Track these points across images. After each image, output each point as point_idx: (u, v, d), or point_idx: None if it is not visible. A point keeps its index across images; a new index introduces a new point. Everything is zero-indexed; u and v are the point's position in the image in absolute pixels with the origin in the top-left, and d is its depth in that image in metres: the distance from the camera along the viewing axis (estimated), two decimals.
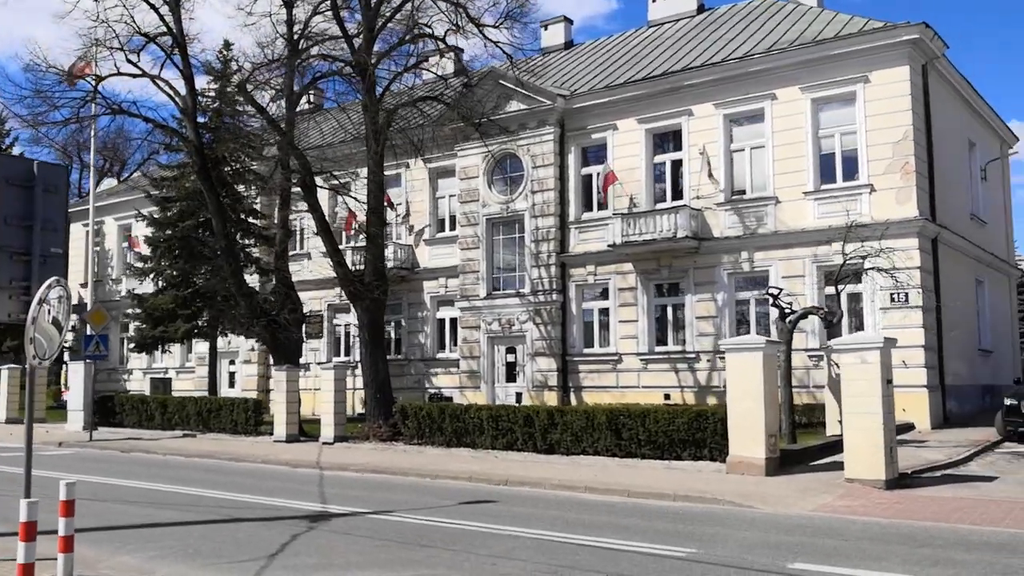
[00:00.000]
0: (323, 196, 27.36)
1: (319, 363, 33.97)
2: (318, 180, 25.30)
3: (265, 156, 30.96)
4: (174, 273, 30.22)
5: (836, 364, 20.31)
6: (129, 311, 31.19)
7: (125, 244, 43.66)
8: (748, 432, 16.56)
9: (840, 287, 20.18)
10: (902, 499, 14.08)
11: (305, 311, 28.10)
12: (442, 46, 25.05)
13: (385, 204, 31.44)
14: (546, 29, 37.97)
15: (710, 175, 26.72)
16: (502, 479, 16.46)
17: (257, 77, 24.09)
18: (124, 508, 13.58)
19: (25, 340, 7.71)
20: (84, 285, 47.87)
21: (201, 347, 38.20)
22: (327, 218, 26.02)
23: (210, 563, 9.70)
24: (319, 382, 30.64)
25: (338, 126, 31.83)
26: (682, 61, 28.78)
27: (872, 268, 20.19)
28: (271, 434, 25.01)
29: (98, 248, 47.60)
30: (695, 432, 17.74)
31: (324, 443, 23.18)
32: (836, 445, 19.53)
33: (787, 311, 19.86)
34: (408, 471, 17.99)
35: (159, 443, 24.55)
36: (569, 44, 37.53)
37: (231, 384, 38.81)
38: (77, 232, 48.88)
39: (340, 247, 35.28)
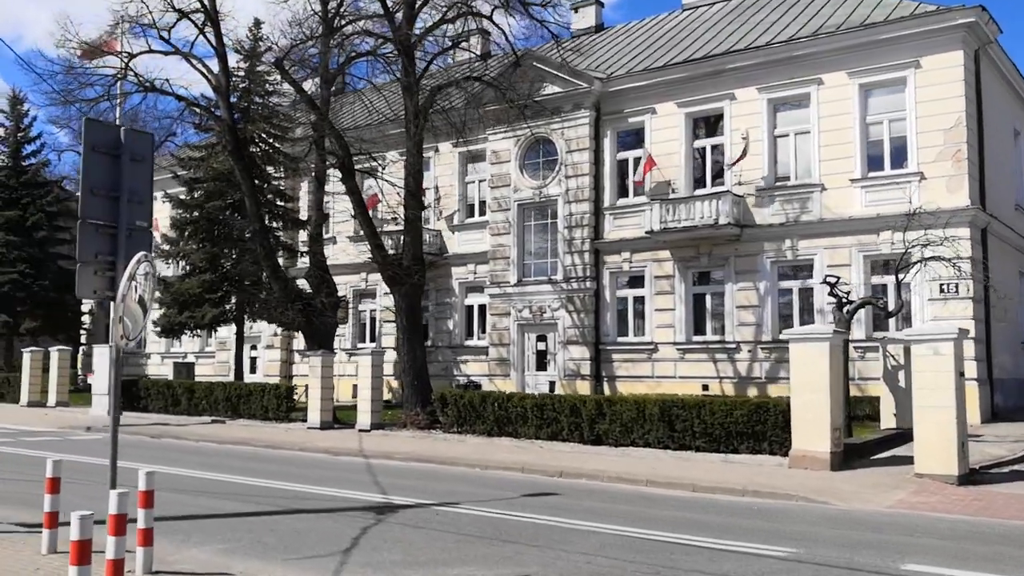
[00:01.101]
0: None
1: (343, 349, 33.50)
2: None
3: (294, 138, 30.38)
4: (201, 256, 29.58)
5: (892, 356, 19.82)
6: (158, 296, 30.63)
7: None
8: (812, 425, 16.00)
9: (900, 277, 19.55)
10: (980, 496, 13.57)
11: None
12: (486, 24, 24.32)
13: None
14: (576, 12, 37.25)
15: (744, 153, 25.94)
16: (556, 471, 15.92)
17: (292, 56, 23.45)
18: (175, 497, 13.02)
19: (112, 318, 7.15)
20: None
21: (222, 332, 37.70)
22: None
23: (287, 558, 9.16)
24: (344, 368, 30.30)
25: (367, 108, 31.17)
26: (723, 44, 28.08)
27: (933, 258, 19.53)
28: (303, 421, 24.49)
29: None
30: (754, 425, 17.17)
31: (360, 430, 22.66)
32: (894, 439, 19.04)
33: (844, 300, 19.26)
34: (456, 460, 17.46)
35: (188, 429, 24.06)
36: (600, 27, 36.81)
37: (252, 369, 38.29)
38: None
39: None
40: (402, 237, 25.97)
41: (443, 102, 25.10)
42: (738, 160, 26.21)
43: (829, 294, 19.82)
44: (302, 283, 28.51)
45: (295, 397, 25.36)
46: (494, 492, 13.67)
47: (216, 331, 37.43)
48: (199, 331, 32.21)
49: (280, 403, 25.04)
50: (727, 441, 17.53)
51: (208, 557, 9.23)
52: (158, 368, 41.80)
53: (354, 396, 31.03)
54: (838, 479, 14.92)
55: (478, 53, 29.50)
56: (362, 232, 34.76)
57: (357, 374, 23.87)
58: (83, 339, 45.92)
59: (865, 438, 18.37)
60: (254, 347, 38.39)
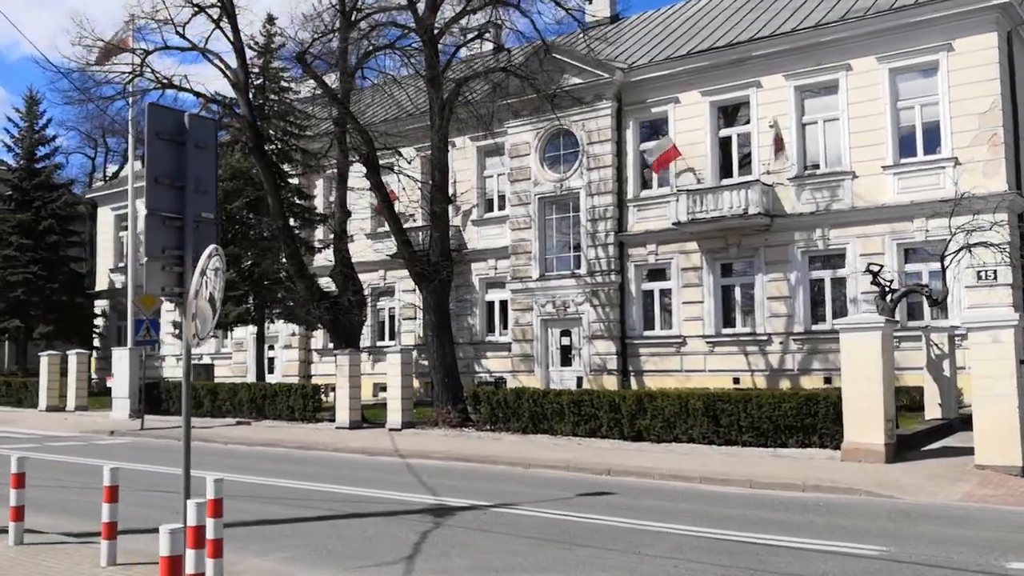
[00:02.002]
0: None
1: (363, 348, 33.02)
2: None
3: (309, 135, 29.90)
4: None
5: (936, 345, 19.37)
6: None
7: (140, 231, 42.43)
8: (865, 417, 15.57)
9: (946, 263, 19.08)
10: None
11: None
12: (511, 13, 23.83)
13: (419, 185, 30.46)
14: (591, 2, 36.67)
15: (779, 142, 25.47)
16: (603, 468, 15.49)
17: (312, 51, 22.97)
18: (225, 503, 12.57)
19: (186, 316, 6.71)
20: (113, 270, 47.02)
21: (238, 332, 37.28)
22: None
23: (354, 566, 8.73)
24: (364, 367, 29.78)
25: (383, 104, 30.70)
26: (748, 31, 27.58)
27: (980, 243, 19.06)
28: (330, 421, 24.06)
29: (124, 232, 46.64)
30: (804, 418, 16.73)
31: (391, 429, 22.22)
32: (940, 429, 18.62)
33: (887, 289, 18.81)
34: (496, 459, 17.03)
35: (214, 431, 23.61)
36: (615, 18, 36.25)
37: (270, 370, 37.80)
38: (105, 216, 47.96)
39: (384, 228, 34.47)
40: (425, 233, 25.52)
41: (466, 94, 24.57)
42: (779, 150, 25.66)
43: (872, 282, 19.36)
44: (323, 281, 28.11)
45: (321, 397, 24.92)
46: (546, 492, 13.23)
47: (232, 332, 37.06)
48: (218, 331, 31.68)
49: (307, 403, 24.59)
50: (775, 435, 17.08)
51: (272, 566, 8.82)
52: (173, 371, 41.34)
53: (374, 395, 30.75)
54: (896, 472, 14.49)
55: (500, 44, 28.87)
56: (380, 229, 34.62)
57: (386, 372, 23.40)
58: (96, 342, 45.45)
59: (914, 429, 17.93)
60: (271, 347, 37.93)
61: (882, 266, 19.96)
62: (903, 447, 16.36)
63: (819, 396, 16.85)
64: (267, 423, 25.28)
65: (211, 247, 6.72)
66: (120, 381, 28.28)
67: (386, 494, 13.21)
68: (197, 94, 23.86)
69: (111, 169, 61.36)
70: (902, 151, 24.50)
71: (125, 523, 10.92)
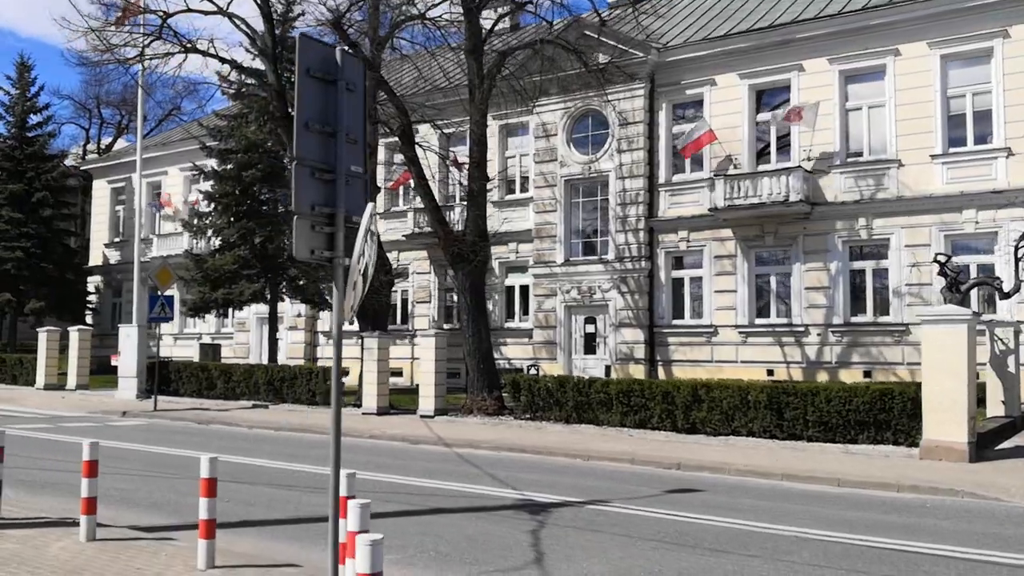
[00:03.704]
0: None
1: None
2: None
3: None
4: (234, 231, 27.82)
5: (1000, 340, 18.65)
6: (183, 273, 28.79)
7: (154, 203, 41.14)
8: (948, 414, 14.78)
9: (1020, 255, 18.33)
10: None
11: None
12: None
13: (451, 163, 29.43)
14: None
15: (798, 113, 24.50)
16: (671, 462, 14.62)
17: (349, 18, 21.83)
18: (288, 495, 11.61)
19: (345, 285, 5.72)
20: (108, 245, 45.54)
21: (241, 312, 36.03)
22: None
23: (477, 572, 7.78)
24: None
25: (410, 75, 29.56)
26: (790, 12, 26.68)
27: None
28: (355, 406, 23.05)
29: (122, 207, 45.20)
30: (877, 413, 15.93)
31: (423, 416, 21.23)
32: (1006, 428, 17.89)
33: (952, 278, 18.03)
34: (551, 450, 16.13)
35: (232, 414, 22.56)
36: None
37: (269, 351, 36.59)
38: (100, 189, 46.42)
39: (399, 208, 33.43)
40: (454, 213, 24.43)
41: (516, 66, 23.44)
42: (793, 119, 24.68)
43: (939, 273, 18.57)
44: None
45: (343, 381, 23.81)
46: (629, 488, 12.34)
47: (237, 311, 35.80)
48: (228, 309, 30.44)
49: (329, 387, 23.43)
50: (844, 430, 16.28)
51: (386, 570, 7.83)
52: (171, 350, 39.92)
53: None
54: (986, 472, 13.74)
55: (541, 16, 27.58)
56: (394, 208, 33.55)
57: (409, 356, 22.40)
58: (88, 319, 43.99)
59: (984, 427, 17.16)
60: (275, 328, 36.72)
61: (949, 256, 19.17)
62: (979, 446, 15.62)
63: (894, 391, 16.04)
64: (286, 407, 24.21)
65: (370, 206, 5.74)
66: (127, 360, 27.06)
67: (457, 487, 12.26)
68: (222, 59, 22.64)
69: (105, 141, 59.61)
70: (951, 140, 23.75)
71: (187, 516, 9.93)
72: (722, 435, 17.48)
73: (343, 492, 6.57)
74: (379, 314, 23.60)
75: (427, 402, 21.17)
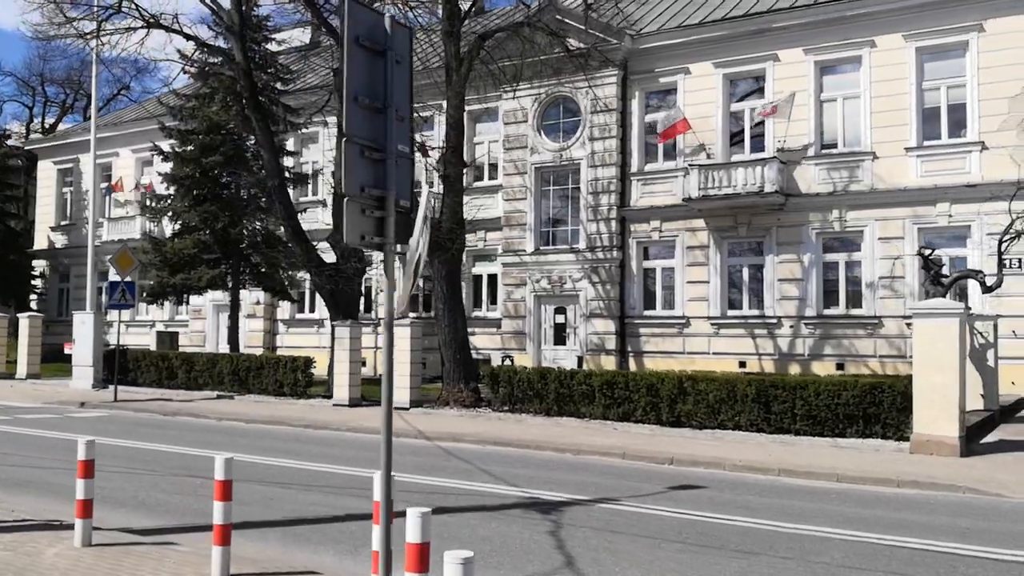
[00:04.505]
0: None
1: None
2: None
3: (297, 88, 27.85)
4: (195, 215, 26.78)
5: (980, 333, 18.70)
6: (141, 257, 27.63)
7: (104, 186, 39.67)
8: (939, 408, 14.71)
9: (1003, 248, 18.37)
10: None
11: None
12: None
13: (417, 148, 28.73)
14: None
15: (772, 110, 24.44)
16: (664, 457, 14.31)
17: None
18: (282, 493, 11.02)
19: (403, 274, 5.23)
20: (55, 229, 43.88)
21: (196, 300, 34.91)
22: None
23: None
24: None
25: None
26: (766, 1, 26.51)
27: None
28: (323, 397, 22.44)
29: (70, 189, 43.59)
30: (867, 407, 15.80)
31: (398, 408, 20.63)
32: (989, 421, 17.95)
33: (935, 271, 18.03)
34: (539, 444, 15.71)
35: (197, 405, 21.76)
36: None
37: (230, 340, 35.60)
38: (46, 170, 44.69)
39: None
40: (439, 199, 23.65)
41: (494, 50, 22.88)
42: (769, 113, 24.69)
43: (922, 267, 18.56)
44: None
45: (312, 371, 23.13)
46: (631, 484, 12.00)
47: (195, 297, 34.71)
48: (185, 296, 29.43)
49: (298, 378, 22.78)
50: (832, 424, 16.14)
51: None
52: (123, 338, 38.64)
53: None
54: (981, 466, 13.69)
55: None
56: None
57: (377, 345, 21.78)
58: (33, 305, 42.37)
59: (969, 421, 17.15)
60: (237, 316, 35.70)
61: (933, 249, 19.19)
62: (967, 440, 15.60)
63: (884, 384, 15.95)
64: (252, 398, 23.45)
65: (427, 189, 5.25)
66: (83, 348, 26.02)
67: (454, 484, 11.80)
68: (187, 36, 21.73)
69: (49, 120, 57.52)
70: (926, 133, 23.83)
71: (181, 517, 9.37)
72: (708, 428, 17.24)
73: (377, 497, 6.07)
74: (350, 303, 22.94)
75: (402, 393, 20.60)
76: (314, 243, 24.82)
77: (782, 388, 16.60)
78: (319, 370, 24.35)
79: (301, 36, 36.60)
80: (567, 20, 27.22)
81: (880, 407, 15.72)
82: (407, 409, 20.54)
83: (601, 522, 9.52)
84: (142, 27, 21.53)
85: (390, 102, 5.46)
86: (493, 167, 30.82)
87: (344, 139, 5.26)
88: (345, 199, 5.23)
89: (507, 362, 25.47)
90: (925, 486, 12.28)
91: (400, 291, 5.30)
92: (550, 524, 9.35)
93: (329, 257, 25.04)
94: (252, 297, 34.44)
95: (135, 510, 9.74)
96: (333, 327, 21.78)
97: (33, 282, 43.28)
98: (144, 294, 27.86)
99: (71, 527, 7.82)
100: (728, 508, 10.44)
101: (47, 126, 56.72)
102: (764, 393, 16.69)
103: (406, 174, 5.60)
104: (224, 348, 34.29)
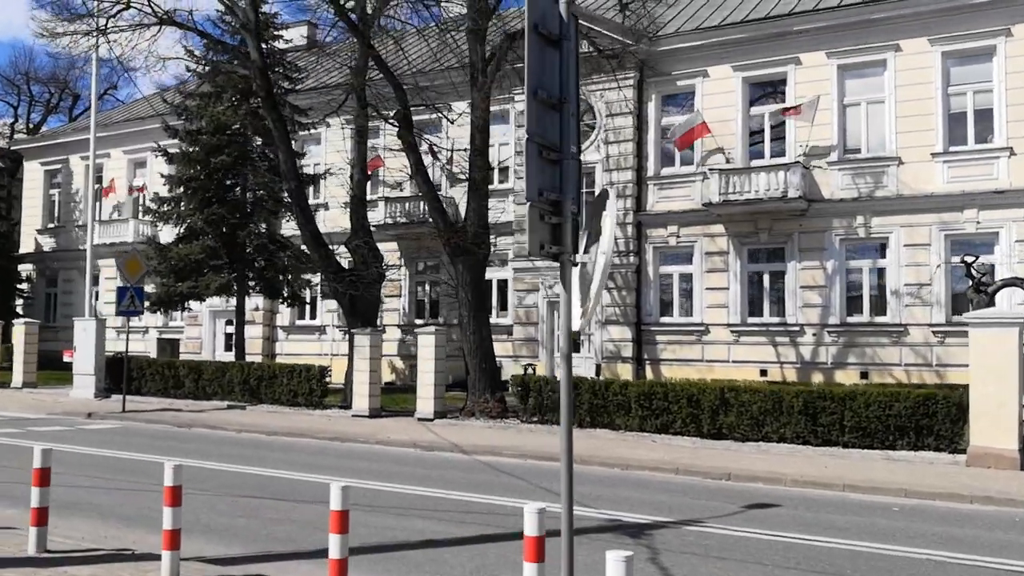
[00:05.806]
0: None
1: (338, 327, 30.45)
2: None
3: (310, 87, 27.08)
4: (202, 219, 25.91)
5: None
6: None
7: (96, 187, 38.60)
8: (997, 420, 14.32)
9: None
10: None
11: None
12: None
13: (426, 151, 28.13)
14: None
15: (796, 108, 24.05)
16: (720, 472, 13.80)
17: None
18: (375, 520, 10.30)
19: (592, 284, 4.63)
20: (41, 232, 42.74)
21: (194, 306, 34.00)
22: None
23: None
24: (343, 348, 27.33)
25: (395, 58, 28.03)
26: (787, 3, 26.08)
27: None
28: (340, 407, 21.75)
29: (58, 191, 42.49)
30: (919, 418, 15.37)
31: (421, 419, 20.00)
32: None
33: (978, 279, 17.65)
34: (584, 458, 14.81)
35: (210, 416, 20.99)
36: None
37: (227, 347, 34.76)
38: (33, 171, 43.54)
39: (369, 197, 31.93)
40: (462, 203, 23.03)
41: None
42: (791, 111, 24.29)
43: (966, 275, 18.16)
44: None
45: (327, 380, 22.40)
46: (704, 504, 11.46)
47: (188, 305, 33.81)
48: (191, 303, 28.55)
49: (313, 387, 22.03)
50: (882, 436, 15.69)
51: None
52: (115, 344, 37.63)
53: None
54: None
55: None
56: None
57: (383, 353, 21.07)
58: (20, 310, 41.19)
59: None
60: (229, 322, 34.85)
61: (976, 256, 18.81)
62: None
63: (937, 396, 15.52)
64: (265, 408, 22.68)
65: (609, 191, 4.67)
66: (84, 356, 25.12)
67: (515, 503, 11.15)
68: (202, 33, 20.98)
69: (35, 120, 56.24)
70: (952, 139, 23.49)
71: (257, 544, 8.68)
72: (751, 441, 16.74)
73: (531, 532, 5.46)
74: (370, 310, 22.26)
75: (426, 404, 19.95)
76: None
77: (831, 399, 16.12)
78: (331, 379, 23.65)
79: (299, 35, 35.80)
80: (581, 21, 26.65)
81: (934, 419, 15.30)
82: (431, 420, 19.88)
83: (698, 547, 8.95)
84: (155, 23, 20.74)
85: (568, 97, 4.86)
86: (504, 170, 30.21)
87: (527, 139, 4.65)
88: (528, 204, 4.62)
89: (530, 371, 24.78)
90: (1002, 502, 11.88)
91: (591, 304, 4.69)
92: (646, 550, 8.76)
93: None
94: (251, 303, 33.57)
95: (204, 534, 9.05)
96: (352, 335, 21.09)
97: (19, 287, 42.11)
98: (151, 302, 26.83)
99: (149, 557, 7.17)
100: (816, 529, 9.92)
101: (31, 126, 55.44)
102: (812, 404, 16.22)
103: (575, 176, 5.00)
104: (221, 355, 33.45)
